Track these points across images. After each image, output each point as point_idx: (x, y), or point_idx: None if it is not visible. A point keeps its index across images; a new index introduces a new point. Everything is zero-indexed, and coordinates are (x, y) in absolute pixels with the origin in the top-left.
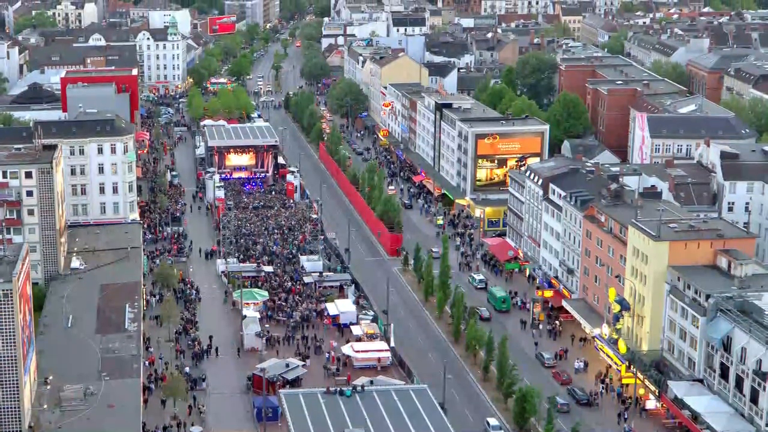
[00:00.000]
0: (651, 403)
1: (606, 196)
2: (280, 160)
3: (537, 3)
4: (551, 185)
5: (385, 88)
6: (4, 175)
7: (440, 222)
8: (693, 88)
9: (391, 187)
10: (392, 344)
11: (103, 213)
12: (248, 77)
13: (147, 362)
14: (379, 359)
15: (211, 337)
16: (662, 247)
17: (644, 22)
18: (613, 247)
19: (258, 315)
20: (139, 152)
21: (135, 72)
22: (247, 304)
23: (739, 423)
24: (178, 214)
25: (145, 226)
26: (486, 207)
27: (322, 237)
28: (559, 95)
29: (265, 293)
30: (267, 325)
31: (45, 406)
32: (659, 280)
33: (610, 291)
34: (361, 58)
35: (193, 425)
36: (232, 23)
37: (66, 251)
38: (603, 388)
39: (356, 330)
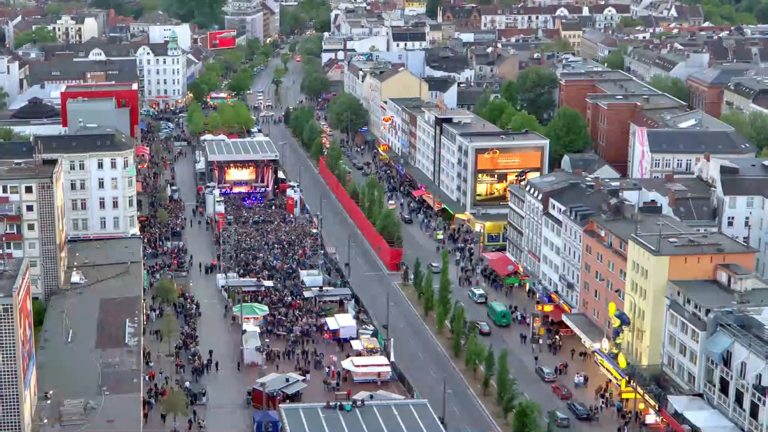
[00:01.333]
0: (651, 418)
1: (606, 211)
2: (280, 174)
3: (537, 18)
4: (551, 200)
5: (385, 102)
6: (5, 190)
7: (440, 236)
8: (693, 103)
9: (391, 202)
10: (392, 359)
11: (103, 228)
12: (248, 92)
13: (147, 377)
14: (379, 374)
15: (211, 352)
16: (662, 261)
17: (644, 37)
18: (613, 262)
19: (258, 330)
20: (139, 167)
21: (135, 87)
22: (247, 318)
23: None
24: (178, 229)
25: (145, 240)
26: (486, 221)
27: (322, 252)
28: (559, 110)
29: (265, 308)
30: (267, 340)
31: (45, 421)
32: (659, 294)
33: (610, 305)
34: (361, 73)
35: None
36: (232, 38)
37: (66, 266)
38: (603, 402)
39: (356, 345)
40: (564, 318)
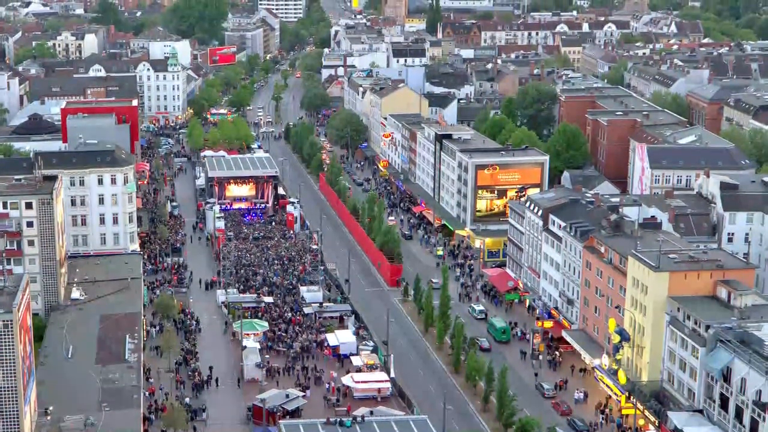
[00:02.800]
0: None
1: (606, 227)
2: (280, 190)
3: (537, 34)
4: (551, 216)
5: (385, 118)
6: (5, 206)
7: (440, 252)
8: (693, 119)
9: (391, 218)
10: (392, 375)
11: (103, 244)
12: (248, 108)
13: (147, 393)
14: (379, 390)
15: (211, 368)
16: (662, 277)
17: (644, 53)
18: (613, 278)
19: (258, 346)
20: (139, 183)
21: (135, 103)
22: (247, 334)
23: None
24: (178, 245)
25: (146, 256)
26: (486, 238)
27: (322, 268)
28: (559, 126)
29: (265, 324)
30: (267, 356)
31: None
32: (659, 310)
33: (609, 322)
34: (361, 89)
35: None
36: (232, 54)
37: (66, 282)
38: (603, 418)
39: (356, 360)
40: (564, 334)
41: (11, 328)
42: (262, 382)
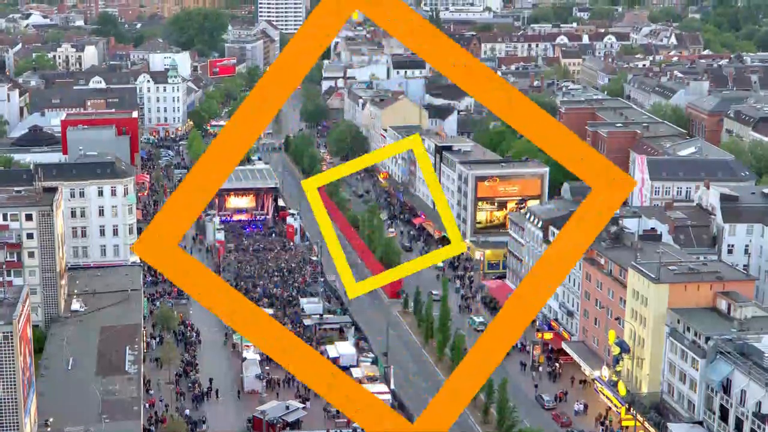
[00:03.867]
0: None
1: (606, 239)
2: (280, 202)
3: (537, 46)
4: (551, 228)
5: (385, 130)
6: (5, 218)
7: (440, 264)
8: (693, 131)
9: (391, 230)
10: (392, 387)
11: (103, 255)
12: None
13: (147, 404)
14: None
15: (211, 380)
16: (662, 289)
17: (644, 65)
18: (613, 290)
19: (258, 357)
20: (139, 194)
21: (135, 114)
22: (248, 346)
23: None
24: None
25: (146, 268)
26: (486, 249)
27: (322, 279)
28: None
29: None
30: (267, 367)
31: None
32: (659, 322)
33: (609, 333)
34: (361, 101)
35: None
36: (232, 66)
37: (66, 294)
38: (603, 430)
39: (356, 372)
40: (564, 346)
41: (11, 339)
42: (262, 394)
